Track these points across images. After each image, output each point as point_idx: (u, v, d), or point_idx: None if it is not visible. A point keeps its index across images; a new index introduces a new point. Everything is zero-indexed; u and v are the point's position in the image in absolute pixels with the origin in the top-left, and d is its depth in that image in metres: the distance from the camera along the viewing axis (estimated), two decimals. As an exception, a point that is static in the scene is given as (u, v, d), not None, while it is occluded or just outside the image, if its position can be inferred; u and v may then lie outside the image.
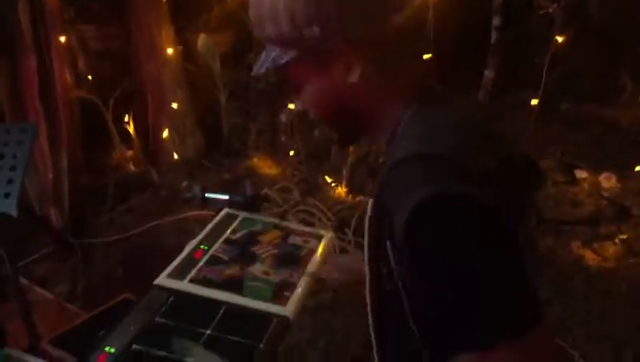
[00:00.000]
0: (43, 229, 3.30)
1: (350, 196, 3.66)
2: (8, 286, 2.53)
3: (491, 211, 0.88)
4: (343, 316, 2.85)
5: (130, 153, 4.00)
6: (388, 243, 0.95)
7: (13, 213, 1.79)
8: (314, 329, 2.81)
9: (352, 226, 3.37)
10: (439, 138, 0.96)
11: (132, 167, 3.93)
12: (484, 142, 1.01)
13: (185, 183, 2.07)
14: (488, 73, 3.19)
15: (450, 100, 1.08)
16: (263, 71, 1.08)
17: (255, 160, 3.99)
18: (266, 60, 1.07)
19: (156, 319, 1.42)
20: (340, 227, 3.37)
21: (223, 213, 1.94)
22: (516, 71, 3.43)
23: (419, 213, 0.87)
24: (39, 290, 2.98)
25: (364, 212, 3.06)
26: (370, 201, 1.02)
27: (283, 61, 1.04)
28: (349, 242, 3.32)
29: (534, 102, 3.31)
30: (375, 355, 1.19)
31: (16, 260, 2.99)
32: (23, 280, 2.87)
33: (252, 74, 1.15)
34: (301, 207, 3.48)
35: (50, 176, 3.32)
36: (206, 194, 1.94)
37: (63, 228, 3.38)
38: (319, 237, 1.84)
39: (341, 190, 3.70)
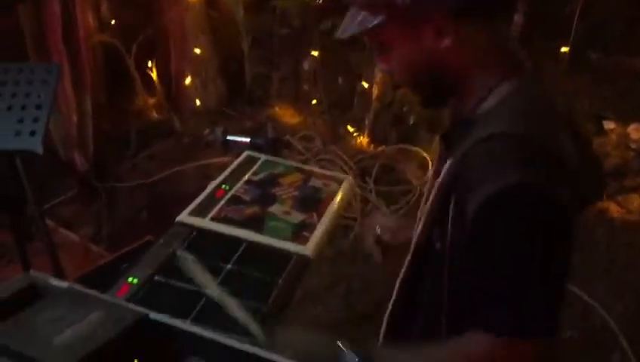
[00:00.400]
0: (68, 173, 3.35)
1: (372, 146, 3.64)
2: (34, 227, 2.60)
3: (564, 210, 0.90)
4: (363, 264, 2.89)
5: (152, 100, 4.01)
6: (451, 209, 0.97)
7: (39, 150, 1.82)
8: (332, 276, 2.85)
9: (373, 175, 3.37)
10: (532, 121, 0.95)
11: (154, 114, 3.95)
12: (570, 135, 1.00)
13: (207, 130, 2.08)
14: (517, 18, 3.11)
15: (541, 80, 1.06)
16: (346, 36, 1.06)
17: (277, 108, 3.98)
18: (350, 25, 1.05)
19: (178, 252, 1.45)
20: (361, 176, 3.37)
21: (244, 155, 1.94)
22: (545, 19, 3.34)
23: (498, 200, 0.88)
24: (65, 232, 3.06)
25: (387, 160, 3.06)
26: (446, 166, 1.02)
27: (370, 25, 1.02)
28: (370, 191, 3.33)
29: (564, 49, 3.24)
30: (390, 305, 1.21)
31: (42, 202, 3.08)
32: (49, 222, 2.95)
33: (335, 37, 1.12)
34: (322, 156, 3.48)
35: (75, 119, 3.36)
36: (227, 137, 1.95)
37: (88, 171, 3.43)
38: (339, 181, 1.85)
39: (363, 139, 3.69)
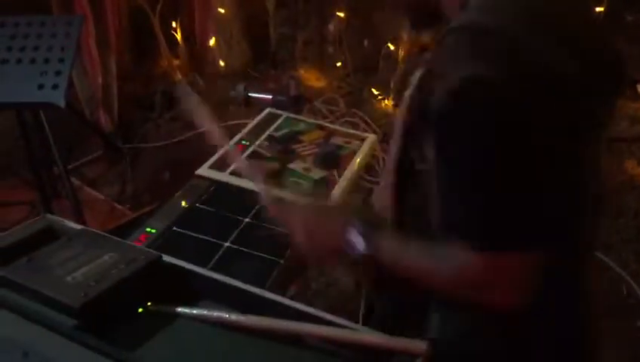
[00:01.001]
0: (93, 133, 3.37)
1: (397, 109, 3.59)
2: (60, 185, 2.64)
3: (520, 112, 0.79)
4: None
5: (177, 62, 4.00)
6: (421, 122, 0.88)
7: (61, 103, 1.82)
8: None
9: (398, 139, 3.34)
10: (500, 11, 0.86)
11: (178, 75, 3.94)
12: (555, 27, 0.88)
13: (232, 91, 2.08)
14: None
15: None
16: None
17: (302, 71, 3.94)
18: None
19: (197, 205, 1.46)
20: (384, 140, 3.34)
21: (265, 112, 1.95)
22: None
23: (451, 97, 0.79)
24: (90, 191, 3.09)
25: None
26: (418, 73, 0.94)
27: None
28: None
29: (599, 9, 3.14)
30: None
31: (69, 161, 3.11)
32: (75, 181, 2.99)
33: None
34: (346, 119, 3.45)
35: (100, 80, 3.37)
36: (249, 93, 1.95)
37: (113, 132, 3.45)
38: (362, 139, 1.84)
39: (388, 103, 3.63)
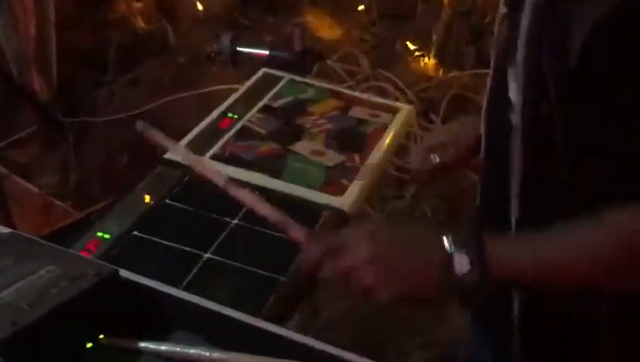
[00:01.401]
0: (24, 103, 3.39)
1: (441, 71, 3.60)
2: (-21, 173, 2.66)
3: None
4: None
5: (138, 5, 4.01)
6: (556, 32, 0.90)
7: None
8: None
9: (442, 111, 3.34)
10: None
11: (141, 24, 3.96)
12: None
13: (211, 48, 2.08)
14: None
15: None
16: None
17: (309, 17, 3.94)
18: None
19: (166, 201, 1.46)
20: (424, 112, 3.34)
21: (260, 73, 1.95)
22: None
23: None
24: (20, 181, 3.11)
25: (462, 90, 3.03)
26: None
27: None
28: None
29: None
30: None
31: (-11, 140, 3.14)
32: (0, 168, 3.02)
33: None
34: (371, 83, 3.45)
35: (32, 30, 3.37)
36: (238, 48, 1.94)
37: (51, 101, 3.46)
38: (393, 111, 1.84)
39: (428, 62, 3.65)
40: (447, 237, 0.93)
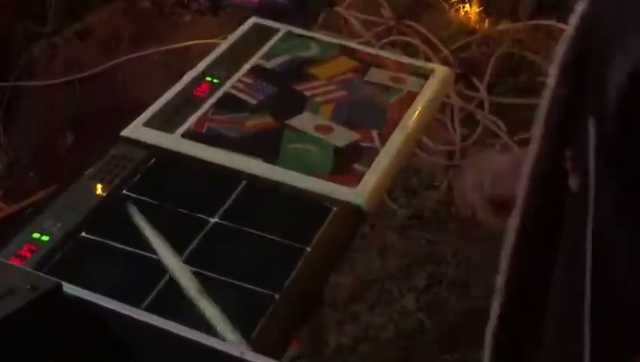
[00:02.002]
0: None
1: (487, 21, 3.61)
2: None
3: None
4: (460, 236, 2.90)
5: None
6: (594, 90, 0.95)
7: None
8: (405, 255, 2.87)
9: (487, 75, 3.34)
10: None
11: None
12: None
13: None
14: None
15: None
16: None
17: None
18: None
19: (124, 192, 1.46)
20: (463, 76, 3.34)
21: (248, 23, 1.96)
22: None
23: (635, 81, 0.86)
24: None
25: (513, 47, 3.05)
26: (576, 13, 1.01)
27: None
28: (480, 103, 3.30)
29: None
30: (495, 301, 1.23)
31: None
32: None
33: None
34: (394, 37, 3.45)
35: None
36: (219, -10, 1.96)
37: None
38: (424, 74, 1.85)
39: (470, 10, 3.65)
40: None
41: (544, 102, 1.09)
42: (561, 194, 1.07)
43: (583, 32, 1.00)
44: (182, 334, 0.94)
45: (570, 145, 1.04)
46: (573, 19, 1.02)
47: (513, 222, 1.16)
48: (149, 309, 1.18)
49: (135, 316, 0.96)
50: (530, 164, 1.11)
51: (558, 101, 1.06)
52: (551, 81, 1.06)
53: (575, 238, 1.04)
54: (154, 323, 0.96)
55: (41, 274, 0.95)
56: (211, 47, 1.94)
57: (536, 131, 1.10)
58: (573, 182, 1.03)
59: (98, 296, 0.97)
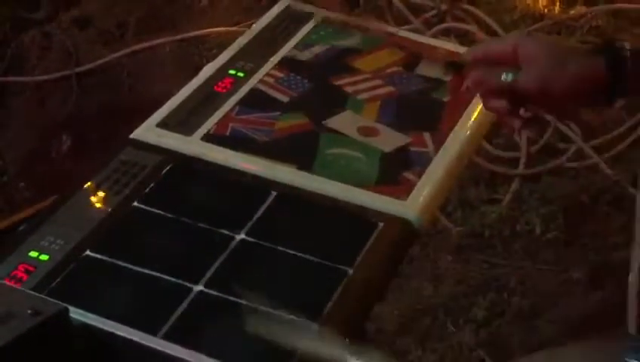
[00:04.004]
0: None
1: (557, 5, 3.63)
2: None
3: None
4: (523, 256, 2.90)
5: None
6: None
7: None
8: (463, 279, 2.87)
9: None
10: None
11: None
12: None
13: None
14: None
15: None
16: None
17: None
18: None
19: (134, 204, 1.48)
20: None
21: (279, 6, 1.98)
22: None
23: None
24: None
25: (595, 34, 3.08)
26: None
27: None
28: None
29: None
30: None
31: None
32: None
33: None
34: (449, 24, 3.46)
35: None
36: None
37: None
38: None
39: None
40: None
41: None
42: None
43: None
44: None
45: None
46: None
47: None
48: (167, 337, 1.20)
49: (152, 345, 0.97)
50: None
51: None
52: None
53: None
54: (172, 352, 0.97)
55: (45, 297, 0.96)
56: (233, 36, 1.95)
57: None
58: None
59: (109, 322, 0.98)
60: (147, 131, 1.63)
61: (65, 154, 3.26)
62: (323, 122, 1.67)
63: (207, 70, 1.78)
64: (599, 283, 2.82)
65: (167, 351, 1.01)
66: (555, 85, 1.30)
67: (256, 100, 1.71)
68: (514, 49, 1.33)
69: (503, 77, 1.32)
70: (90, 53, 3.51)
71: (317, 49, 1.85)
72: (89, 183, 1.53)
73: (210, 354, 1.06)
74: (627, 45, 1.31)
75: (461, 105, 1.74)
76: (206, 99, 1.70)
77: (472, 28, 3.46)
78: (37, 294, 0.98)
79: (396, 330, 2.69)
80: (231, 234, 1.44)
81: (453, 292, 2.86)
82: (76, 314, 1.00)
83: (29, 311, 0.93)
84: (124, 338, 1.00)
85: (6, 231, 2.24)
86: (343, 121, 1.68)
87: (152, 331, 1.20)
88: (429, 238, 2.84)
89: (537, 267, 2.87)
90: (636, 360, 1.07)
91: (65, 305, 0.96)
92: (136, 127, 1.64)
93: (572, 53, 1.32)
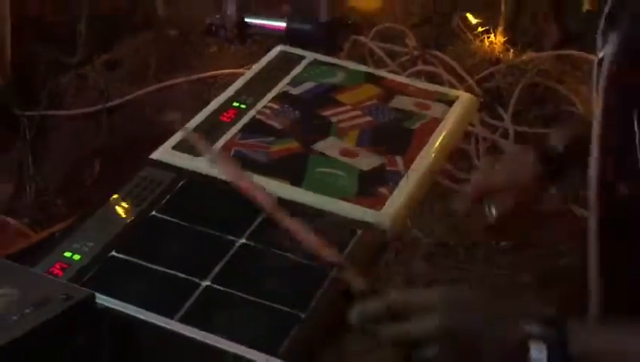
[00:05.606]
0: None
1: (511, 52, 3.64)
2: None
3: None
4: (484, 260, 2.89)
5: (117, -36, 4.05)
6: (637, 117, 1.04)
7: None
8: (431, 280, 2.87)
9: (512, 104, 3.35)
10: None
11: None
12: None
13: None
14: None
15: None
16: None
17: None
18: None
19: (153, 214, 1.49)
20: (489, 103, 3.35)
21: (275, 51, 1.98)
22: None
23: None
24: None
25: (539, 77, 3.05)
26: (607, 52, 1.10)
27: None
28: (505, 133, 3.31)
29: None
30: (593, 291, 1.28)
31: None
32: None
33: None
34: (420, 67, 3.47)
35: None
36: (246, 19, 1.98)
37: (2, 88, 3.50)
38: (448, 101, 1.86)
39: (495, 40, 3.68)
40: (527, 324, 1.05)
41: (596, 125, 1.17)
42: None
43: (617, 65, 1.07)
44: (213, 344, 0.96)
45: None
46: (609, 48, 1.07)
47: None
48: (182, 321, 1.21)
49: (169, 327, 0.98)
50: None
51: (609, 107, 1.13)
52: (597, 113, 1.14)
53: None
54: (186, 333, 0.98)
55: (74, 285, 0.97)
56: (238, 77, 1.95)
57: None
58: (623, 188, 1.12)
59: (130, 306, 0.99)
60: (164, 152, 1.64)
61: (95, 178, 3.25)
62: (311, 146, 1.68)
63: (215, 103, 1.79)
64: (547, 285, 2.82)
65: (182, 331, 0.99)
66: None
67: (255, 128, 1.72)
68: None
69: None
70: (119, 91, 3.52)
71: (307, 85, 1.85)
72: (115, 196, 1.54)
73: (217, 334, 1.06)
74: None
75: (427, 133, 1.74)
76: (214, 127, 1.71)
77: (439, 70, 3.47)
78: (69, 283, 0.98)
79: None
80: (233, 238, 1.45)
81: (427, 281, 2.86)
82: (101, 299, 1.00)
83: (62, 296, 0.94)
84: (144, 321, 1.00)
85: (45, 239, 2.23)
86: (328, 145, 1.68)
87: (169, 316, 1.22)
88: (403, 247, 2.83)
89: (493, 272, 2.87)
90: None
91: (91, 291, 0.96)
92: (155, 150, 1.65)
93: None
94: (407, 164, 1.66)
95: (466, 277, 2.89)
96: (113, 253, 1.40)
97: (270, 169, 1.61)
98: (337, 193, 1.56)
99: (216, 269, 1.39)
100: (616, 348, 1.05)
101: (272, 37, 2.00)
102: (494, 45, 3.66)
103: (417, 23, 3.80)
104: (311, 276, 1.39)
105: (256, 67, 1.93)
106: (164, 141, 1.68)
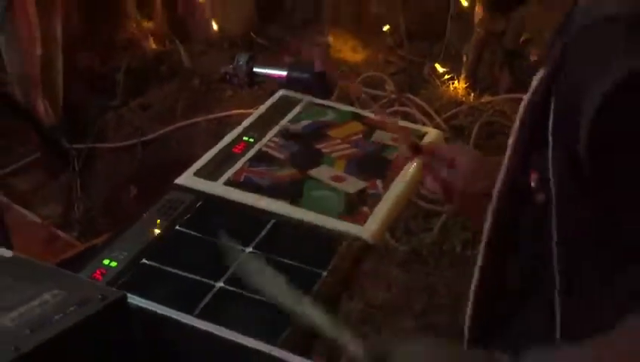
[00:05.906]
0: (28, 127, 3.44)
1: (472, 95, 3.64)
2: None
3: None
4: (449, 268, 2.88)
5: (149, 24, 4.07)
6: (551, 128, 1.02)
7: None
8: (405, 285, 2.86)
9: (473, 138, 3.36)
10: None
11: (152, 45, 4.01)
12: None
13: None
14: None
15: None
16: None
17: (331, 38, 3.98)
18: None
19: (176, 228, 1.49)
20: (453, 140, 3.35)
21: (278, 95, 1.98)
22: None
23: (618, 94, 0.92)
24: (22, 211, 3.15)
25: (495, 116, 3.03)
26: (538, 77, 1.08)
27: None
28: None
29: None
30: (470, 305, 1.29)
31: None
32: (0, 196, 3.06)
33: None
34: (396, 108, 3.47)
35: (39, 51, 3.42)
36: (255, 68, 1.98)
37: (56, 126, 3.51)
38: (419, 136, 1.86)
39: (458, 86, 3.68)
40: None
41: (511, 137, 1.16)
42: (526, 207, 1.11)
43: (542, 89, 1.06)
44: (226, 336, 0.95)
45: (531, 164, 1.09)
46: (534, 82, 1.07)
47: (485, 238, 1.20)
48: (200, 316, 1.21)
49: (187, 321, 0.97)
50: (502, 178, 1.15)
51: (525, 136, 1.11)
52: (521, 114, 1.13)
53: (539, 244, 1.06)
54: (203, 327, 0.97)
55: (110, 287, 0.96)
56: (247, 116, 1.96)
57: (506, 159, 1.16)
58: (539, 198, 1.07)
59: (157, 305, 0.98)
60: (186, 178, 1.64)
61: (131, 200, 3.26)
62: (307, 172, 1.68)
63: (228, 137, 1.80)
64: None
65: (200, 326, 0.99)
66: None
67: (261, 158, 1.72)
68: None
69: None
70: (151, 128, 3.53)
71: (304, 123, 1.85)
72: (146, 214, 1.55)
73: (230, 328, 1.05)
74: None
75: (403, 163, 1.74)
76: (227, 157, 1.71)
77: (412, 110, 3.48)
78: (105, 286, 0.97)
79: (359, 320, 2.68)
80: (242, 248, 1.45)
81: (400, 294, 2.85)
82: (133, 299, 0.99)
83: (99, 297, 0.94)
84: (168, 317, 0.99)
85: (89, 249, 2.23)
86: (321, 172, 1.68)
87: (190, 311, 1.22)
88: (382, 256, 2.83)
89: (459, 277, 2.86)
90: None
91: (124, 292, 0.96)
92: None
93: None
94: (386, 187, 1.66)
95: (434, 282, 2.89)
96: (144, 260, 1.41)
97: (274, 191, 1.61)
98: (328, 211, 1.56)
99: (228, 273, 1.39)
100: None
101: (275, 83, 1.99)
102: (458, 90, 3.67)
103: (395, 71, 3.81)
104: (306, 278, 1.38)
105: (262, 108, 1.94)
106: (186, 169, 1.69)
